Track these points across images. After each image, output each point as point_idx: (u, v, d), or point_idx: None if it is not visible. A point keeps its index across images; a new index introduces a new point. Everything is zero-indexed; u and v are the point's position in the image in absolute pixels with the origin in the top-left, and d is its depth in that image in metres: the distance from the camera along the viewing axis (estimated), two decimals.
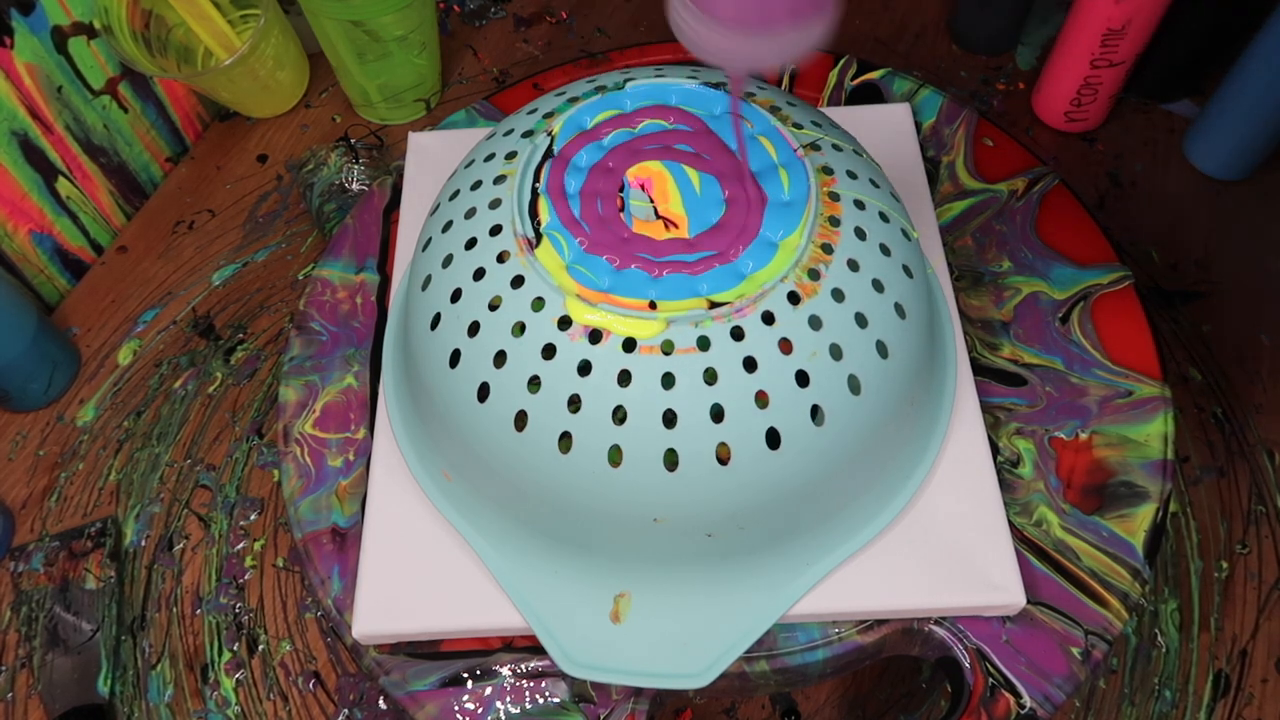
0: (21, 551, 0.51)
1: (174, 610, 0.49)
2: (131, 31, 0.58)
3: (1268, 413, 0.52)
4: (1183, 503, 0.50)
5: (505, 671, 0.39)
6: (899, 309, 0.34)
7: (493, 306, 0.33)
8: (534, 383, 0.32)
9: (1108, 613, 0.39)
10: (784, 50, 0.30)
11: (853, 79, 0.54)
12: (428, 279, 0.36)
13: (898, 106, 0.51)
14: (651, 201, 0.35)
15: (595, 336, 0.32)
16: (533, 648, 0.39)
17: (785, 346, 0.32)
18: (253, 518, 0.52)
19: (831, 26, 0.30)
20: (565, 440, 0.32)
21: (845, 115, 0.50)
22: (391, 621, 0.38)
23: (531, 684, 0.38)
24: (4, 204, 0.57)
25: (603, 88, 0.38)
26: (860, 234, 0.34)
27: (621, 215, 0.35)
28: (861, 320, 0.33)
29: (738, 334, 0.32)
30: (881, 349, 0.34)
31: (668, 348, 0.32)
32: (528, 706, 0.38)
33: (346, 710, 0.46)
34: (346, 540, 0.42)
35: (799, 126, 0.37)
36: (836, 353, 0.32)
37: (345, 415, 0.45)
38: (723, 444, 0.32)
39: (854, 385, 0.33)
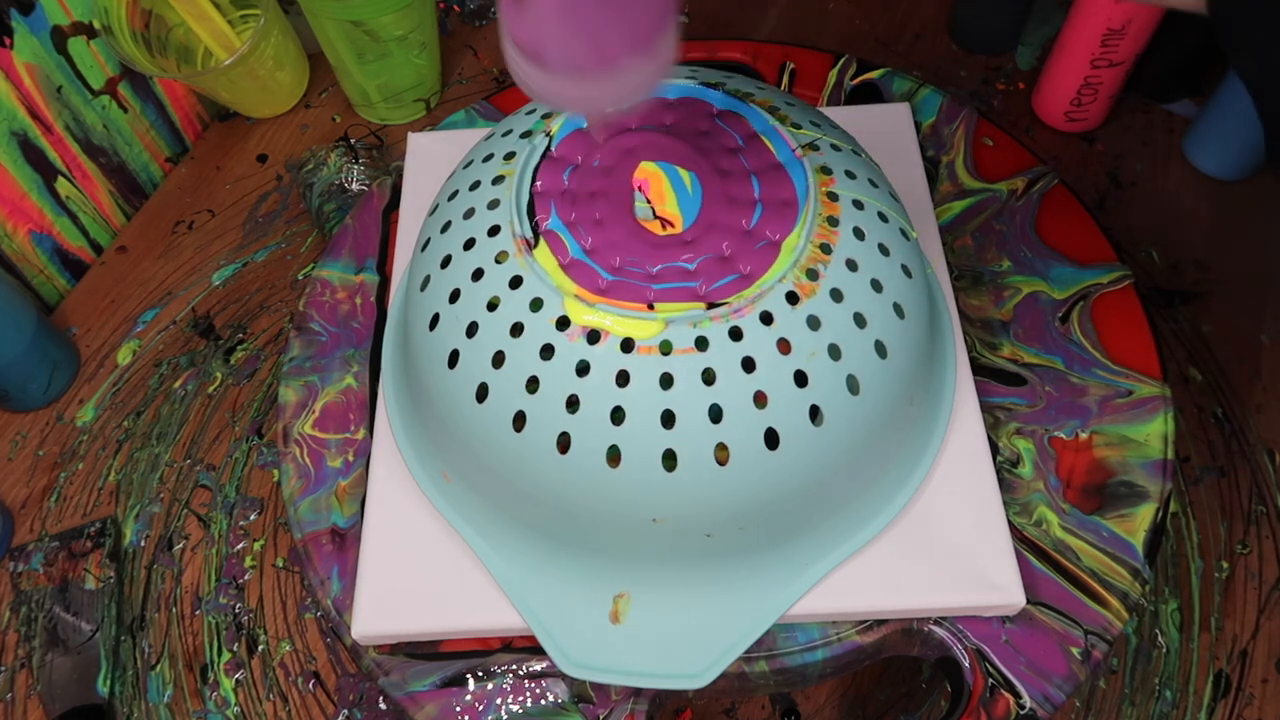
0: (21, 551, 0.51)
1: (174, 610, 0.49)
2: (131, 31, 0.58)
3: (1268, 413, 0.52)
4: (1183, 503, 0.50)
5: (505, 671, 0.39)
6: (898, 309, 0.34)
7: (491, 307, 0.33)
8: (533, 383, 0.32)
9: (1108, 613, 0.39)
10: (622, 92, 0.29)
11: (852, 79, 0.54)
12: (426, 279, 0.36)
13: (897, 106, 0.51)
14: (649, 202, 0.35)
15: (593, 337, 0.32)
16: (532, 648, 0.39)
17: (784, 347, 0.32)
18: (252, 518, 0.52)
19: (670, 65, 0.28)
20: (564, 441, 0.32)
21: (845, 115, 0.50)
22: (391, 622, 0.38)
23: (531, 684, 0.38)
24: (4, 204, 0.57)
25: None
26: (859, 234, 0.34)
27: (619, 215, 0.35)
28: (860, 320, 0.33)
29: (736, 334, 0.32)
30: (880, 349, 0.34)
31: (666, 348, 0.31)
32: (528, 706, 0.38)
33: (346, 710, 0.46)
34: (346, 540, 0.42)
35: (798, 126, 0.37)
36: (835, 353, 0.32)
37: (345, 416, 0.45)
38: (721, 444, 0.32)
39: (853, 385, 0.33)
